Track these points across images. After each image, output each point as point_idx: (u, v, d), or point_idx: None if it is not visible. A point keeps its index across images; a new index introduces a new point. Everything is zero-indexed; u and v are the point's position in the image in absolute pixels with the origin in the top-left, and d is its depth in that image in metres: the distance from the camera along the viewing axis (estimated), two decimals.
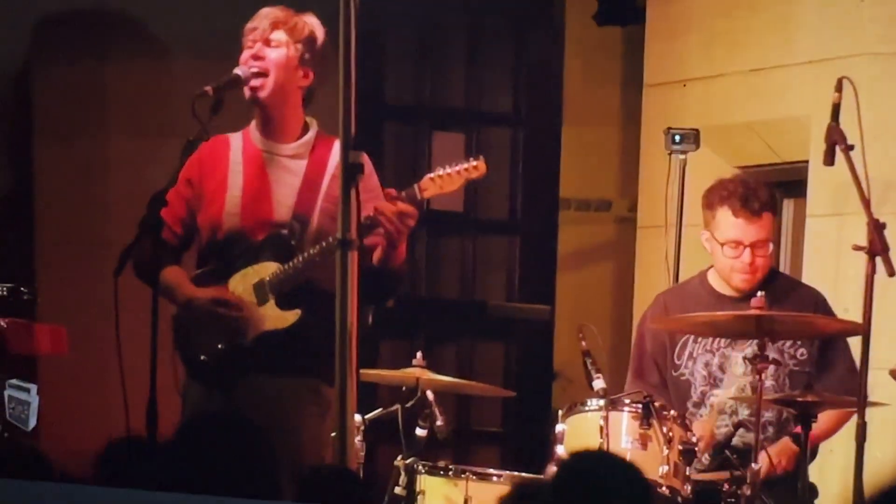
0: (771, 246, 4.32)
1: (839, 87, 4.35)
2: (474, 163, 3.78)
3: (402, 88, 6.52)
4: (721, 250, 4.30)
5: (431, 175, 3.79)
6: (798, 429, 4.24)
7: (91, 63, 6.11)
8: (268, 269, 3.91)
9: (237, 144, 4.02)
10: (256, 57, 3.94)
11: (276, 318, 3.90)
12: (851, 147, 4.30)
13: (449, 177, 3.77)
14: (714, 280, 4.40)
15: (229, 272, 3.95)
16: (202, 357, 3.94)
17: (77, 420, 5.80)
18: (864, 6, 5.04)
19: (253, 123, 4.04)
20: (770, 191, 4.39)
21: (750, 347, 4.22)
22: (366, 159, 3.86)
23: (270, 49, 3.95)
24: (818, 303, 4.39)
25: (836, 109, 4.36)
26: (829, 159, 4.38)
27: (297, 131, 4.00)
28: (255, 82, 3.93)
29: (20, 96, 6.19)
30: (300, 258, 3.86)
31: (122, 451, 3.13)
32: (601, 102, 6.62)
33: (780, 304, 4.28)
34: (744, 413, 4.29)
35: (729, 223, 4.28)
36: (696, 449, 4.01)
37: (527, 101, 6.57)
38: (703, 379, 4.34)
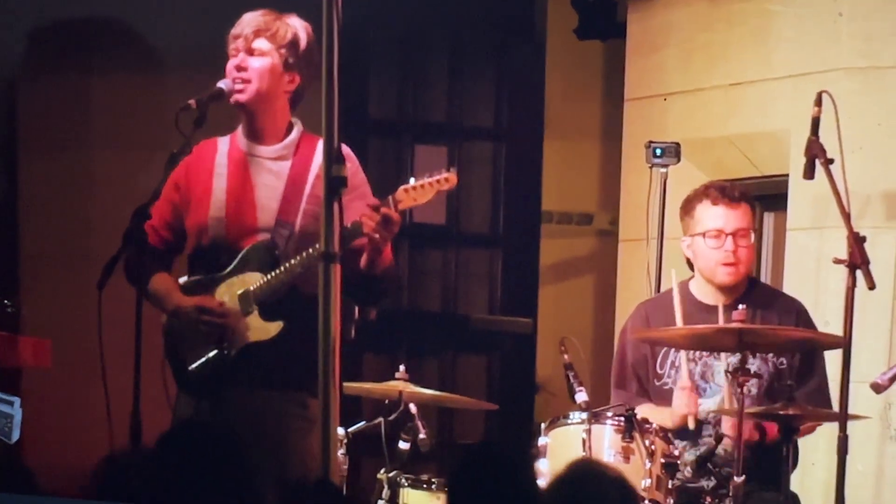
0: (752, 237, 4.33)
1: (818, 102, 4.39)
2: (446, 174, 3.80)
3: (384, 102, 6.54)
4: (703, 243, 4.32)
5: (405, 186, 3.80)
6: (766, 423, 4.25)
7: (76, 76, 6.12)
8: (252, 278, 3.91)
9: (224, 148, 4.03)
10: (240, 68, 3.95)
11: (259, 329, 3.90)
12: (831, 161, 4.33)
13: (422, 188, 3.79)
14: (696, 289, 4.41)
15: (216, 282, 3.96)
16: (190, 367, 3.94)
17: (61, 433, 5.79)
18: (843, 21, 5.08)
19: (240, 127, 4.04)
20: (746, 188, 4.44)
21: (732, 357, 4.23)
22: (351, 156, 3.88)
23: (254, 59, 3.95)
24: (800, 312, 4.41)
25: (815, 123, 4.39)
26: (809, 173, 4.41)
27: (281, 133, 4.00)
28: (236, 86, 3.94)
29: (5, 108, 6.19)
30: (283, 268, 3.87)
31: (116, 467, 3.12)
32: (582, 116, 6.66)
33: (762, 314, 4.31)
34: (726, 424, 4.30)
35: (709, 214, 4.31)
36: (678, 463, 4.03)
37: (508, 115, 6.60)
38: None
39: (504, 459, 2.77)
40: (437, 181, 3.78)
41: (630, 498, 2.73)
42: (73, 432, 5.75)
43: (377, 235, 3.76)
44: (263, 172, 3.97)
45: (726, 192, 4.31)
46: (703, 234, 4.31)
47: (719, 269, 4.32)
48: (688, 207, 4.39)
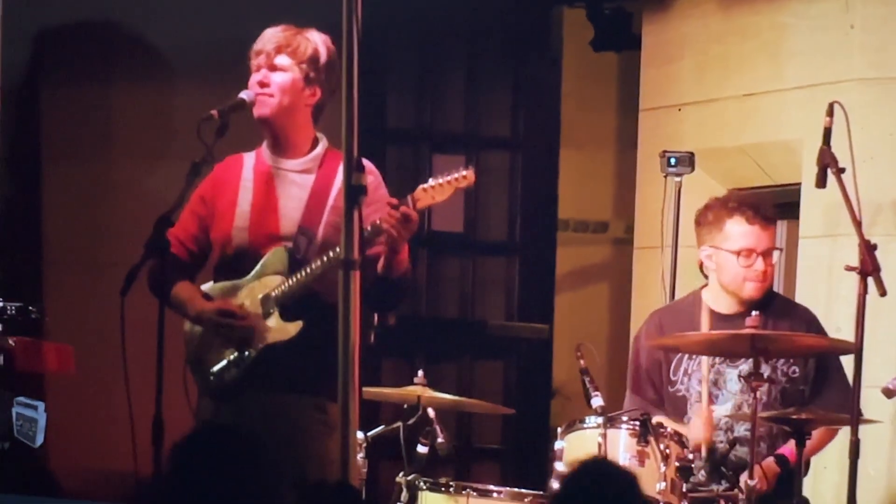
0: (776, 254, 4.38)
1: (830, 112, 4.41)
2: (464, 172, 3.83)
3: (402, 113, 6.59)
4: (735, 260, 4.32)
5: (424, 186, 3.84)
6: (782, 449, 4.30)
7: (99, 85, 6.16)
8: (273, 282, 3.97)
9: (249, 162, 4.08)
10: (262, 84, 4.01)
11: (278, 329, 3.95)
12: (843, 170, 4.35)
13: (440, 186, 3.83)
14: (709, 298, 4.44)
15: (238, 287, 4.02)
16: (211, 371, 4.00)
17: (83, 438, 5.84)
18: (854, 33, 5.12)
19: (265, 142, 4.11)
20: (773, 205, 4.47)
21: (745, 364, 4.25)
22: (373, 170, 3.94)
23: (276, 74, 4.01)
24: (811, 322, 4.43)
25: (827, 133, 4.41)
26: (822, 182, 4.43)
27: (306, 147, 4.06)
28: (259, 100, 4.00)
29: (28, 116, 6.25)
30: (304, 271, 3.93)
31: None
32: (598, 126, 6.70)
33: (774, 323, 4.33)
34: (739, 430, 4.33)
35: (742, 231, 4.31)
36: (692, 466, 4.07)
37: (525, 124, 6.64)
38: (699, 395, 4.36)
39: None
40: (456, 179, 3.82)
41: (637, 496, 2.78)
42: (95, 437, 5.81)
43: (395, 232, 3.81)
44: (288, 184, 4.02)
45: (760, 211, 4.31)
46: (737, 253, 4.31)
47: (747, 285, 4.33)
48: (716, 217, 4.37)
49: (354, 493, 3.13)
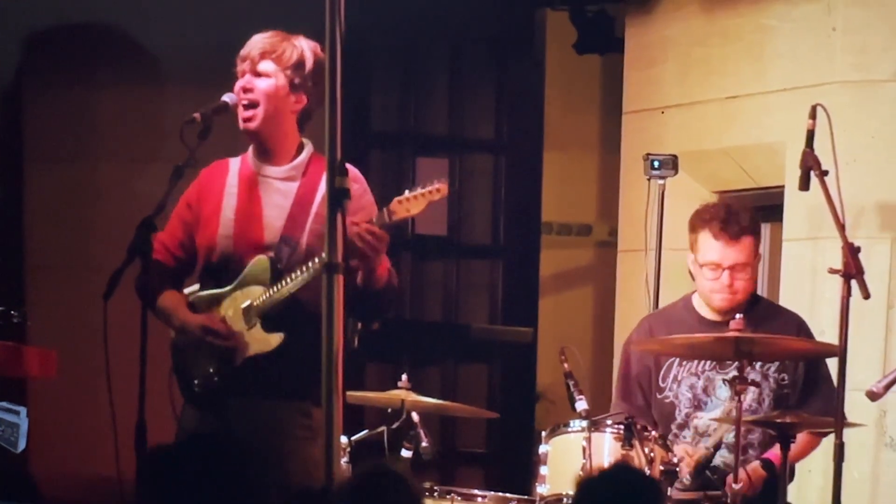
0: (751, 270, 4.36)
1: (813, 114, 4.42)
2: (437, 185, 3.83)
3: (386, 116, 6.60)
4: (701, 272, 4.37)
5: (398, 198, 3.84)
6: (768, 453, 4.31)
7: (81, 88, 6.15)
8: (256, 292, 3.96)
9: (235, 168, 4.07)
10: (246, 89, 3.99)
11: (260, 341, 3.94)
12: (826, 172, 4.35)
13: (414, 199, 3.83)
14: (698, 304, 4.44)
15: (222, 296, 4.01)
16: (195, 382, 3.99)
17: (66, 443, 5.82)
18: (837, 35, 5.13)
19: (251, 147, 4.09)
20: (752, 215, 4.42)
21: (734, 371, 4.25)
22: (359, 177, 3.93)
23: (259, 80, 3.99)
24: (800, 325, 4.43)
25: (810, 136, 4.42)
26: (805, 184, 4.44)
27: (291, 153, 4.04)
28: (245, 114, 3.97)
29: (11, 118, 6.23)
30: (285, 282, 3.91)
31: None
32: (581, 129, 6.72)
33: (763, 328, 4.34)
34: (729, 437, 4.32)
35: (708, 246, 4.33)
36: (678, 469, 4.06)
37: (508, 127, 6.65)
38: (688, 401, 4.38)
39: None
40: (429, 192, 3.83)
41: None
42: (78, 442, 5.79)
43: (365, 250, 3.80)
44: (272, 192, 4.00)
45: (727, 227, 4.30)
46: (702, 265, 4.34)
47: (714, 297, 4.35)
48: (692, 227, 4.40)
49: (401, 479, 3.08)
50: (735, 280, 4.32)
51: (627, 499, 2.74)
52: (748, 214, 4.40)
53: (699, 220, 4.38)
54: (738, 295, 4.34)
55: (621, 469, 3.07)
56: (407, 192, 3.83)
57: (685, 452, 4.21)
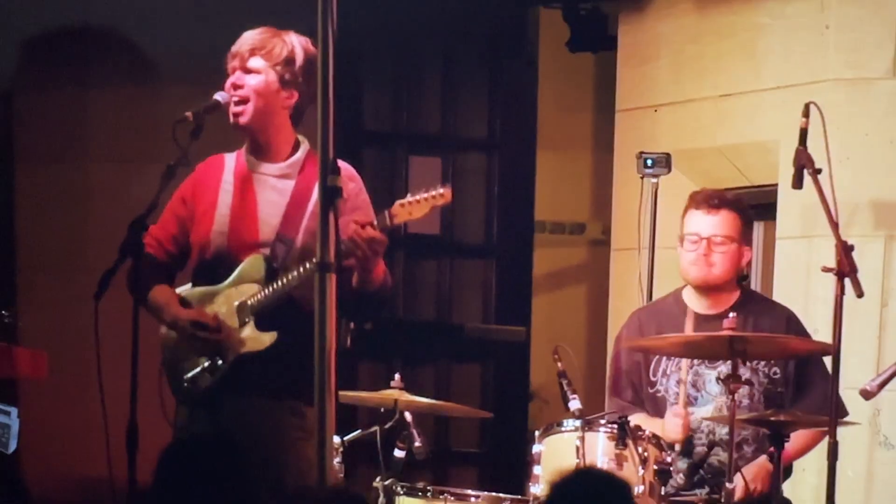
0: (732, 250, 4.37)
1: (806, 112, 4.42)
2: (441, 190, 3.83)
3: (379, 115, 6.59)
4: (682, 247, 4.38)
5: (401, 201, 3.84)
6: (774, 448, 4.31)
7: (73, 88, 6.14)
8: (250, 290, 3.95)
9: (230, 164, 4.05)
10: (236, 85, 3.98)
11: (253, 339, 3.93)
12: (819, 170, 4.36)
13: (417, 203, 3.83)
14: (688, 298, 4.45)
15: (215, 293, 3.99)
16: (185, 378, 3.97)
17: (57, 444, 5.81)
18: (830, 33, 5.14)
19: (246, 143, 4.08)
20: (738, 197, 4.49)
21: (724, 366, 4.25)
22: (355, 176, 3.92)
23: (249, 76, 3.98)
24: (790, 318, 4.44)
25: (803, 134, 4.42)
26: (798, 183, 4.44)
27: (287, 150, 4.02)
28: (235, 109, 3.97)
29: (1, 119, 6.21)
30: (281, 281, 3.90)
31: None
32: (574, 127, 6.71)
33: (754, 322, 4.34)
34: (721, 432, 4.33)
35: (689, 219, 4.39)
36: (671, 469, 4.06)
37: (501, 126, 6.65)
38: (677, 395, 4.37)
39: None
40: (433, 196, 3.82)
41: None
42: (69, 443, 5.77)
43: (362, 254, 3.79)
44: (267, 190, 3.99)
45: (708, 198, 4.38)
46: (682, 238, 4.38)
47: (691, 269, 4.37)
48: (683, 212, 4.45)
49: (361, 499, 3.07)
50: (712, 251, 4.33)
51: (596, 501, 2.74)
52: (732, 194, 4.49)
53: (688, 201, 4.45)
54: (715, 270, 4.35)
55: (588, 473, 3.06)
56: (409, 195, 3.82)
57: (675, 415, 4.20)
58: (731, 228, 4.37)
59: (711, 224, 4.35)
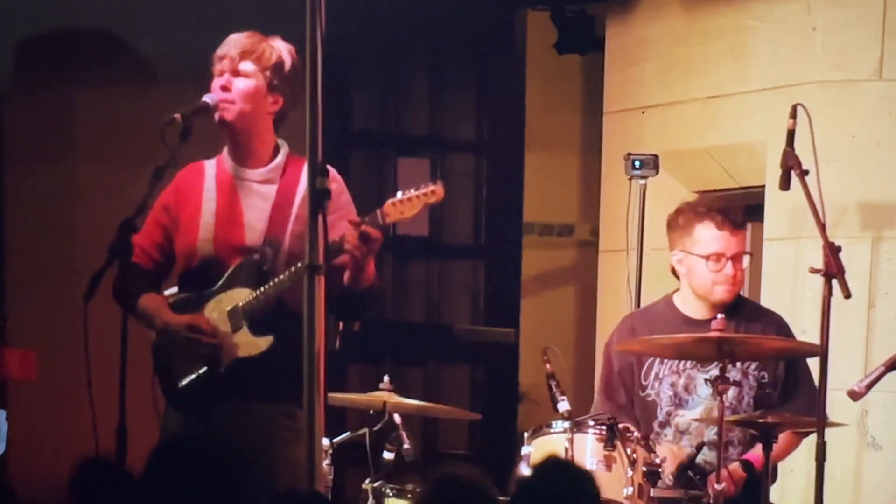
0: (746, 259, 4.40)
1: (793, 114, 4.43)
2: (433, 187, 3.82)
3: (367, 116, 6.60)
4: (704, 265, 4.35)
5: (392, 200, 3.83)
6: (748, 454, 4.31)
7: (62, 89, 6.13)
8: (241, 295, 3.94)
9: (211, 171, 4.05)
10: (224, 88, 3.98)
11: (248, 344, 3.92)
12: (806, 172, 4.37)
13: (409, 201, 3.82)
14: (680, 303, 4.45)
15: (205, 299, 3.99)
16: (179, 384, 3.96)
17: (46, 446, 5.79)
18: (816, 35, 5.15)
19: (226, 149, 4.08)
20: (742, 210, 4.50)
21: (714, 369, 4.26)
22: (336, 177, 3.92)
23: (239, 80, 3.97)
24: (780, 324, 4.45)
25: (790, 135, 4.44)
26: (785, 184, 4.45)
27: (267, 156, 4.02)
28: (223, 104, 3.96)
29: None
30: (271, 284, 3.90)
31: (93, 477, 3.13)
32: (562, 129, 6.72)
33: (745, 327, 4.34)
34: (709, 434, 4.33)
35: (712, 237, 4.34)
36: (660, 470, 4.07)
37: (489, 127, 6.66)
38: (669, 399, 4.39)
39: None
40: (425, 194, 3.81)
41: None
42: (58, 445, 5.76)
43: (357, 252, 3.79)
44: (252, 195, 3.98)
45: (730, 216, 4.35)
46: (706, 257, 4.34)
47: (716, 289, 4.35)
48: (686, 221, 4.40)
49: (322, 499, 3.11)
50: (736, 270, 4.34)
51: (562, 493, 2.76)
52: (739, 205, 4.48)
53: (694, 214, 4.39)
54: (737, 286, 4.38)
55: (554, 463, 3.07)
56: (400, 193, 3.82)
57: (670, 452, 4.21)
58: (745, 243, 4.41)
59: (736, 244, 4.35)
